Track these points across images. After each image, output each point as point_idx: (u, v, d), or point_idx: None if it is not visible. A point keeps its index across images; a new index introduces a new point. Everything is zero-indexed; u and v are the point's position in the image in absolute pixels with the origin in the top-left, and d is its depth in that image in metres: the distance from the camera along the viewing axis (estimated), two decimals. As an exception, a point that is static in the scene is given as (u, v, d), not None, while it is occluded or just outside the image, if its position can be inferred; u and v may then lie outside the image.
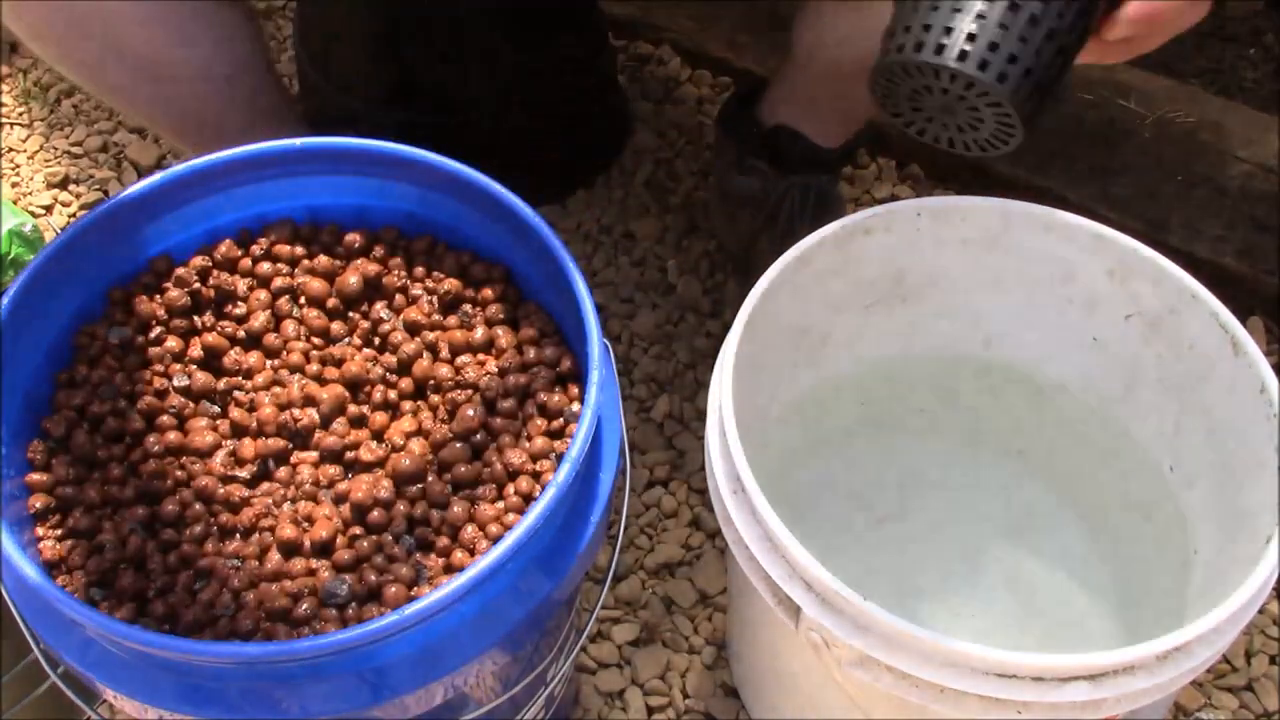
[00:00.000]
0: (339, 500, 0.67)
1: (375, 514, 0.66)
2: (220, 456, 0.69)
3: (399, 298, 0.75)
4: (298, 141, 0.75)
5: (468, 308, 0.75)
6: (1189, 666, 0.64)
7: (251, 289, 0.75)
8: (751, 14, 1.36)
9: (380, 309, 0.75)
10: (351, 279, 0.74)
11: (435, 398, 0.71)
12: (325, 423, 0.70)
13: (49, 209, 1.28)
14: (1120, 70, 1.27)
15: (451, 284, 0.75)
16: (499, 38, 1.09)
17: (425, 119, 1.13)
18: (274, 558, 0.65)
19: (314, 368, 0.73)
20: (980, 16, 0.55)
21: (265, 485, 0.68)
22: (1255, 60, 1.34)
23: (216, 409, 0.71)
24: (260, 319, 0.74)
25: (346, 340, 0.74)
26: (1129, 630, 0.86)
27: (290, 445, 0.70)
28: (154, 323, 0.73)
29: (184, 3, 0.86)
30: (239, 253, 0.76)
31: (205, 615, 0.63)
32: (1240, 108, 1.24)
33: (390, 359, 0.73)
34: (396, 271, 0.76)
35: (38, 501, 0.66)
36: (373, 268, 0.75)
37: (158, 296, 0.74)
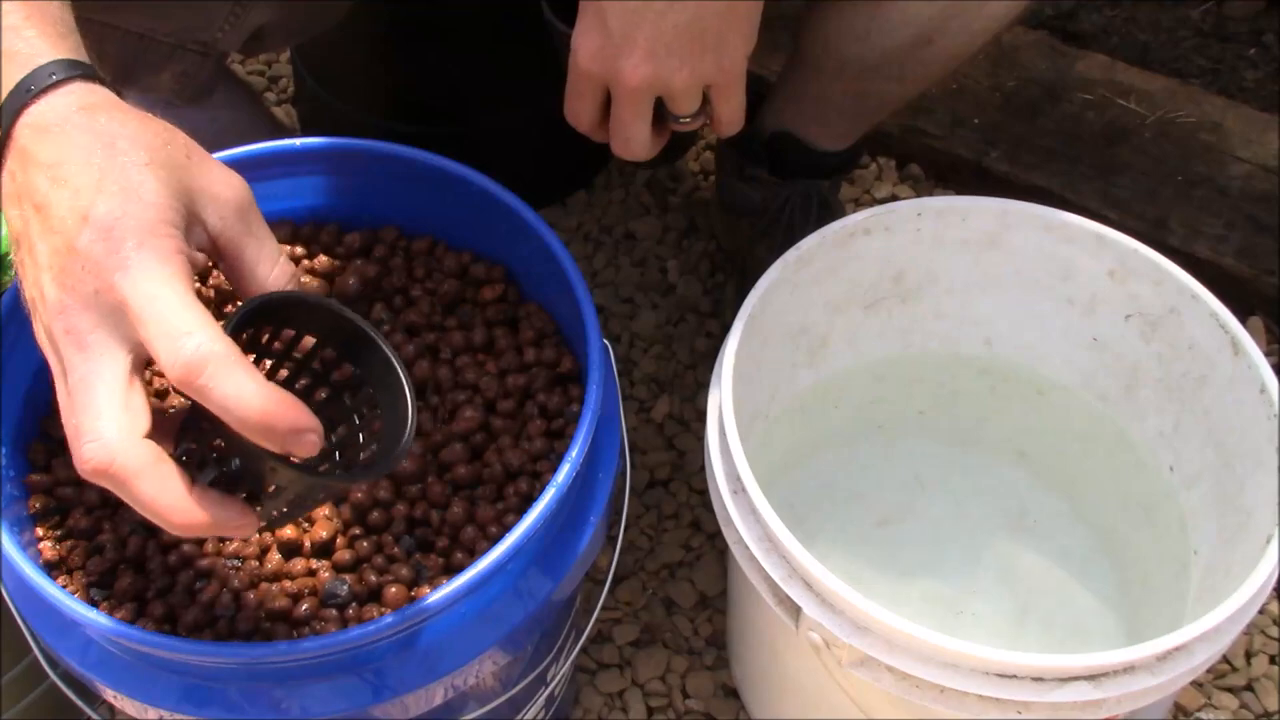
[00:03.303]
0: (339, 501, 0.67)
1: (375, 514, 0.66)
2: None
3: (398, 299, 0.75)
4: (298, 141, 0.75)
5: (468, 308, 0.75)
6: (1189, 666, 0.64)
7: (252, 289, 0.75)
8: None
9: (380, 310, 0.75)
10: (351, 280, 0.74)
11: (435, 399, 0.71)
12: (325, 423, 0.70)
13: (49, 209, 1.28)
14: (1120, 70, 1.27)
15: (451, 284, 0.75)
16: (497, 40, 1.09)
17: (424, 124, 1.13)
18: (274, 558, 0.65)
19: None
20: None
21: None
22: (1255, 60, 1.34)
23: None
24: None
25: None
26: (1129, 630, 0.86)
27: (290, 445, 0.70)
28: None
29: (184, 113, 0.85)
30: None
31: (205, 616, 0.63)
32: (1240, 108, 1.24)
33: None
34: (396, 273, 0.76)
35: (37, 502, 0.66)
36: (372, 269, 0.75)
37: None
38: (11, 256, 0.52)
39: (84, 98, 0.51)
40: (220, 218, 0.51)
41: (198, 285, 0.72)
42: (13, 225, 0.51)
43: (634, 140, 0.71)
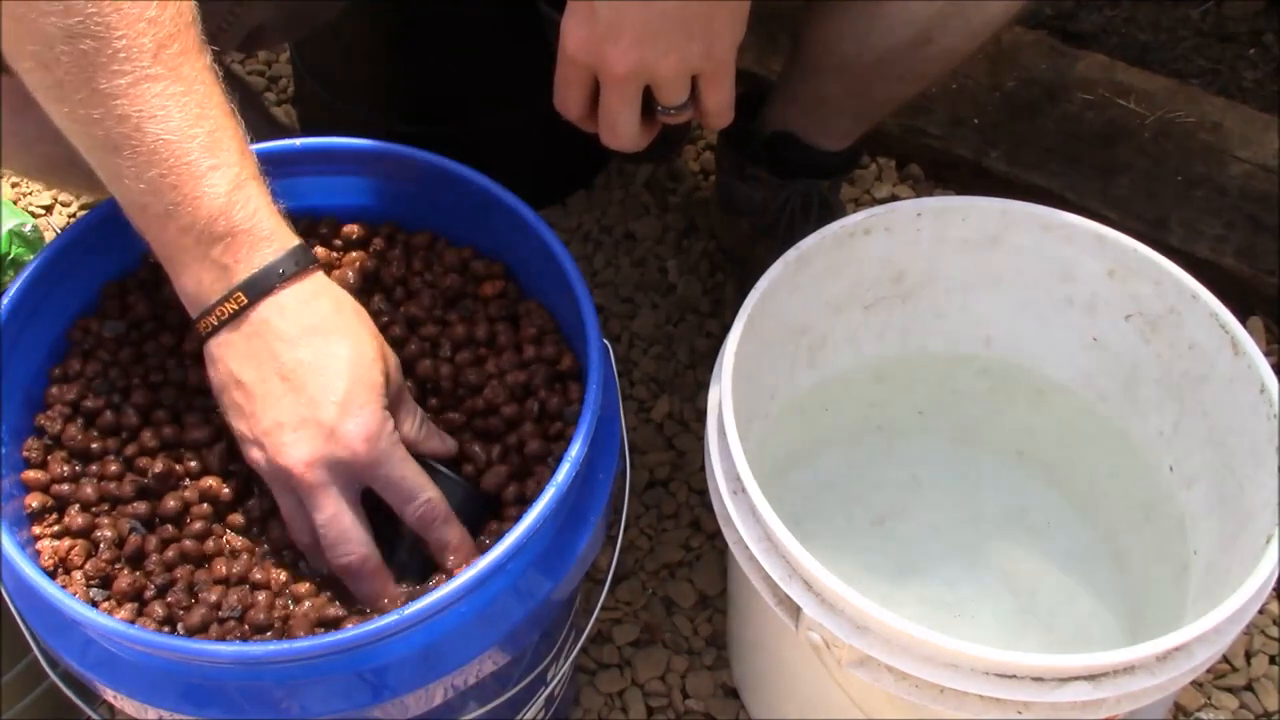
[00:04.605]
0: None
1: (375, 514, 0.66)
2: (217, 451, 0.68)
3: (398, 290, 0.75)
4: (298, 141, 0.75)
5: (469, 302, 0.75)
6: (1189, 666, 0.64)
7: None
8: (750, 13, 1.35)
9: (379, 301, 0.74)
10: (347, 276, 0.74)
11: (434, 400, 0.71)
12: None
13: (49, 209, 1.28)
14: (1120, 70, 1.27)
15: (452, 279, 0.75)
16: (498, 40, 1.09)
17: (424, 124, 1.13)
18: (273, 556, 0.65)
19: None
20: None
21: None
22: (1255, 60, 1.34)
23: (211, 403, 0.71)
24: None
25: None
26: (1129, 630, 0.86)
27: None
28: (149, 317, 0.73)
29: None
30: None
31: (209, 615, 0.63)
32: (1240, 108, 1.24)
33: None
34: (395, 263, 0.75)
35: (34, 500, 0.66)
36: (369, 263, 0.75)
37: (154, 292, 0.74)
38: (223, 399, 0.64)
39: (310, 291, 0.63)
40: (392, 393, 0.64)
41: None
42: (242, 377, 0.62)
43: (621, 129, 0.70)
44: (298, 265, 0.62)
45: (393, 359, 0.65)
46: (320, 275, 0.64)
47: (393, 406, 0.64)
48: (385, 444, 0.61)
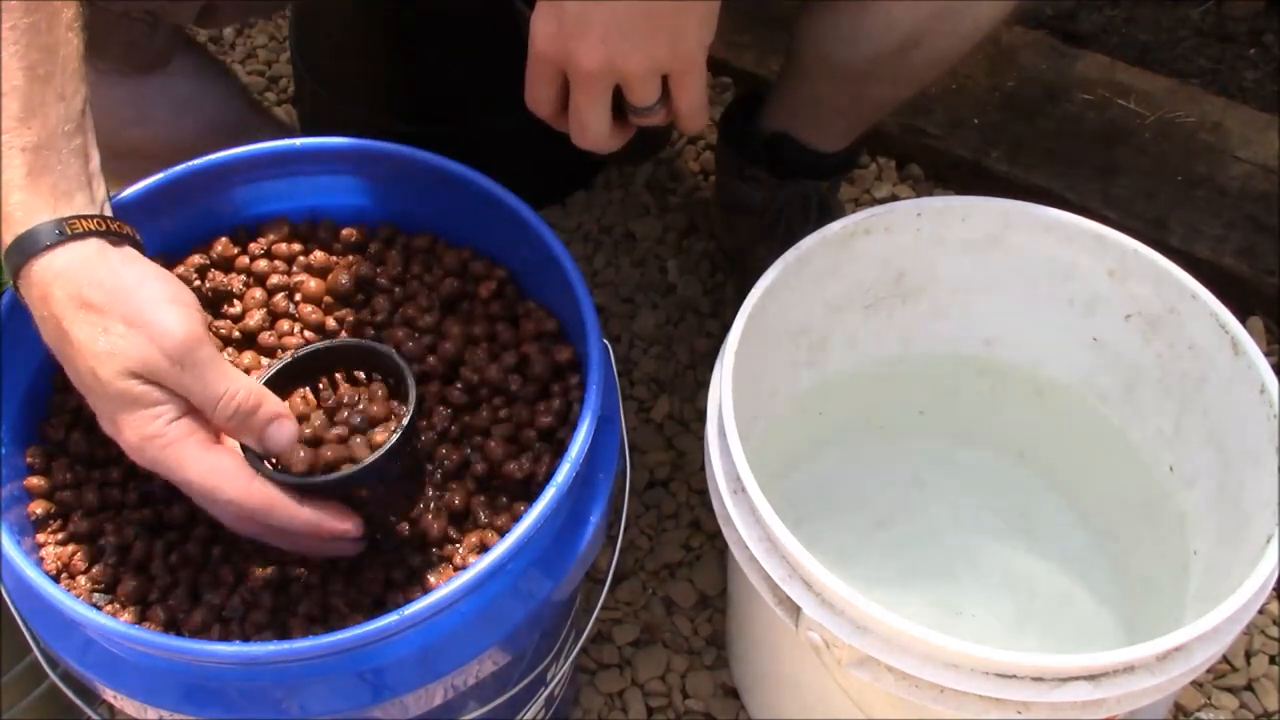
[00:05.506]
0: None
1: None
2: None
3: (397, 290, 0.75)
4: (298, 141, 0.75)
5: (467, 304, 0.75)
6: (1189, 666, 0.64)
7: (248, 286, 0.75)
8: (749, 14, 1.36)
9: (380, 301, 0.74)
10: (343, 277, 0.74)
11: (433, 401, 0.71)
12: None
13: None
14: (1120, 70, 1.27)
15: (451, 282, 0.75)
16: (498, 40, 1.09)
17: (424, 124, 1.13)
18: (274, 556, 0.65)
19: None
20: None
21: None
22: (1255, 60, 1.34)
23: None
24: (256, 317, 0.73)
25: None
26: (1129, 631, 0.86)
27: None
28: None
29: (134, 80, 0.85)
30: (235, 251, 0.76)
31: (207, 617, 0.63)
32: (1240, 108, 1.24)
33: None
34: (393, 265, 0.75)
35: (38, 508, 0.66)
36: (366, 265, 0.75)
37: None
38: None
39: (39, 293, 0.58)
40: (163, 378, 0.58)
41: (196, 283, 0.72)
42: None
43: (591, 129, 0.69)
44: (32, 248, 0.58)
45: (178, 331, 0.58)
46: (59, 257, 0.58)
47: (182, 386, 0.58)
48: (151, 452, 0.58)
